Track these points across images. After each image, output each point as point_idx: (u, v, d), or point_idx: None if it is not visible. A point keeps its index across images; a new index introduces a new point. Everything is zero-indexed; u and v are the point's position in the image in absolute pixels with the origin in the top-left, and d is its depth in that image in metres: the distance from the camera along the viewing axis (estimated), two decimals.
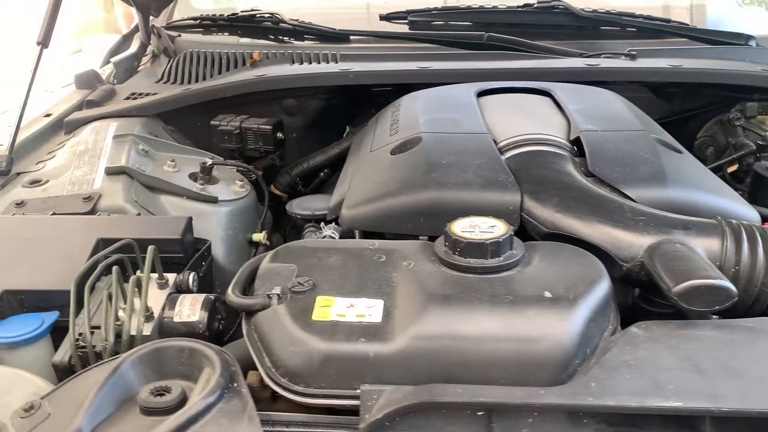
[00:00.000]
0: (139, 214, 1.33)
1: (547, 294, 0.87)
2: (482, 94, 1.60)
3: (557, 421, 0.78)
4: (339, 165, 1.89)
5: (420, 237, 1.17)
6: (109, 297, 1.05)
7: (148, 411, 0.85)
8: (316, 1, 2.42)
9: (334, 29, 2.06)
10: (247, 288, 1.02)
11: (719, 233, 1.00)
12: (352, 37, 2.08)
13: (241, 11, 2.20)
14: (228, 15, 2.20)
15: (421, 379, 0.82)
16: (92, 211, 1.33)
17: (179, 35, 2.26)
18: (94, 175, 1.44)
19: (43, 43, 1.63)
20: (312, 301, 0.91)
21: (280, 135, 1.78)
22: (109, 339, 0.99)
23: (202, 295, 1.16)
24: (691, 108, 1.92)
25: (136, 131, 1.65)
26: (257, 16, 2.16)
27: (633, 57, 1.81)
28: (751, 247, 0.97)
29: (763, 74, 1.71)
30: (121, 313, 1.04)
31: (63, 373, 1.04)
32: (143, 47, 2.23)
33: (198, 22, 2.27)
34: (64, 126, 1.72)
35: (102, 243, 1.21)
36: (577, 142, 1.30)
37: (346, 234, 1.31)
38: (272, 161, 1.82)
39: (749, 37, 1.94)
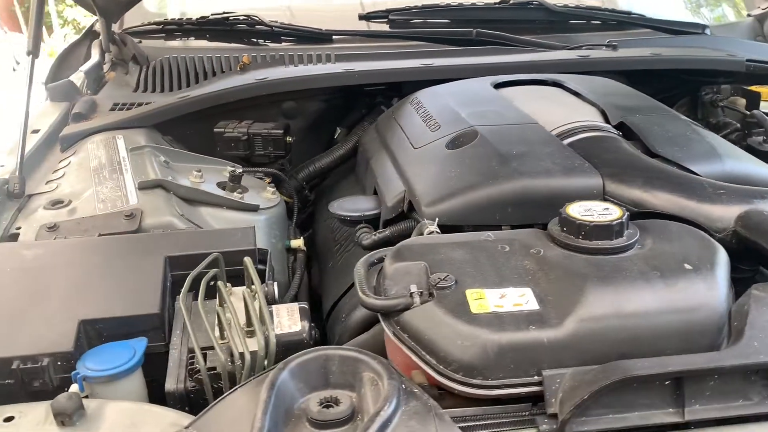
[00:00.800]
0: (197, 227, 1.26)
1: (687, 266, 0.92)
2: (496, 87, 1.64)
3: (733, 382, 0.83)
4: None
5: (503, 227, 1.20)
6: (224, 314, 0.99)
7: (321, 424, 0.82)
8: (276, 2, 2.35)
9: (321, 30, 2.03)
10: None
11: None
12: (334, 38, 2.06)
13: (212, 14, 2.11)
14: (197, 18, 2.11)
15: (594, 359, 0.85)
16: (139, 230, 1.24)
17: (140, 41, 2.13)
18: (124, 191, 1.34)
19: (33, 53, 1.49)
20: (461, 295, 0.91)
21: (289, 139, 1.73)
22: (246, 357, 0.93)
23: (295, 305, 1.12)
24: (658, 92, 2.07)
25: (143, 143, 1.55)
26: (230, 18, 2.08)
27: (614, 47, 1.93)
28: None
29: (730, 59, 1.88)
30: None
31: (178, 400, 0.97)
32: (103, 55, 2.08)
33: (161, 27, 2.15)
34: (59, 141, 1.58)
35: (169, 261, 1.14)
36: (618, 128, 1.38)
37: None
38: (282, 166, 1.77)
39: (705, 27, 2.13)
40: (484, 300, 0.90)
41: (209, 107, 1.73)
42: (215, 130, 1.72)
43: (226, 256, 1.15)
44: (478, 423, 0.86)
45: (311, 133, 1.93)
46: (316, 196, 1.92)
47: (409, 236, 1.31)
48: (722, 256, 0.96)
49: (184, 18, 2.14)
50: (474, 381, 0.84)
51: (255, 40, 2.11)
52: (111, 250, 1.16)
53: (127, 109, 1.76)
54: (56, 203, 1.32)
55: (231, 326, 0.99)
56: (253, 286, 1.05)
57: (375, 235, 1.34)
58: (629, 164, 1.20)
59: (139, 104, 1.78)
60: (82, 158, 1.48)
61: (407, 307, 0.92)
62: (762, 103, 1.79)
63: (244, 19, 2.07)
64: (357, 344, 1.11)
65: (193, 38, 2.17)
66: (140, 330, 1.05)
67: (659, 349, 0.86)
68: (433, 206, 1.20)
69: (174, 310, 1.10)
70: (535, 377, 0.84)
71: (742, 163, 1.26)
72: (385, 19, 2.11)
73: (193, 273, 1.04)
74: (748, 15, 2.42)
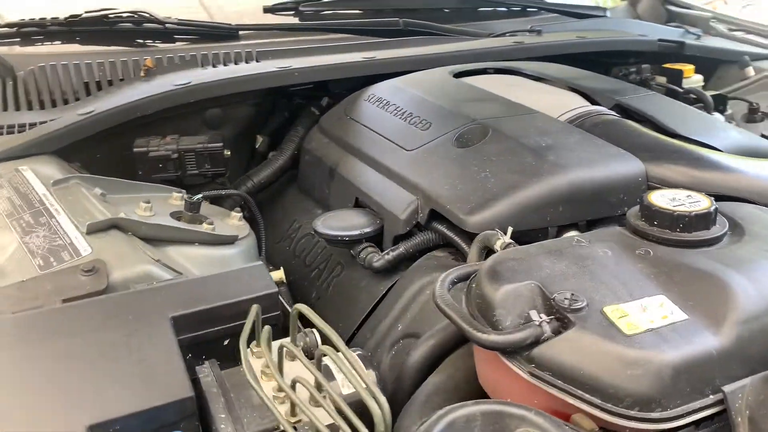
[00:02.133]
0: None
1: None
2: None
3: None
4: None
5: (549, 230, 1.08)
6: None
7: None
8: None
9: (229, 24, 1.76)
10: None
11: None
12: (241, 34, 1.80)
13: (86, 12, 1.74)
14: (66, 18, 1.73)
15: (760, 363, 0.76)
16: (108, 288, 0.94)
17: None
18: (66, 239, 1.01)
19: None
20: (600, 315, 0.77)
21: (227, 152, 1.46)
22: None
23: (353, 354, 0.91)
24: None
25: (57, 174, 1.21)
26: (111, 16, 1.73)
27: (539, 32, 1.90)
28: None
29: (647, 39, 1.94)
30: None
31: None
32: None
33: (15, 29, 1.74)
34: None
35: (174, 322, 0.87)
36: (615, 110, 1.32)
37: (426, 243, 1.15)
38: (221, 185, 1.50)
39: (605, 10, 2.18)
40: (629, 317, 0.77)
41: (119, 124, 1.41)
42: (135, 149, 1.40)
43: (248, 305, 0.91)
44: None
45: (237, 144, 1.66)
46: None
47: (427, 250, 1.16)
48: None
49: (48, 18, 1.74)
50: (653, 415, 0.71)
51: (141, 41, 1.78)
52: (90, 319, 0.86)
53: (8, 132, 1.38)
54: None
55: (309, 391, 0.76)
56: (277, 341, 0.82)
57: (388, 254, 1.16)
58: (661, 147, 1.14)
59: (21, 126, 1.40)
60: None
61: (538, 340, 0.77)
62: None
63: (129, 16, 1.74)
64: (435, 389, 0.93)
65: (59, 42, 1.78)
66: (169, 423, 0.78)
67: None
68: (476, 214, 1.05)
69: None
70: (711, 397, 0.74)
71: (745, 135, 1.26)
72: (293, 11, 1.89)
73: (245, 333, 0.79)
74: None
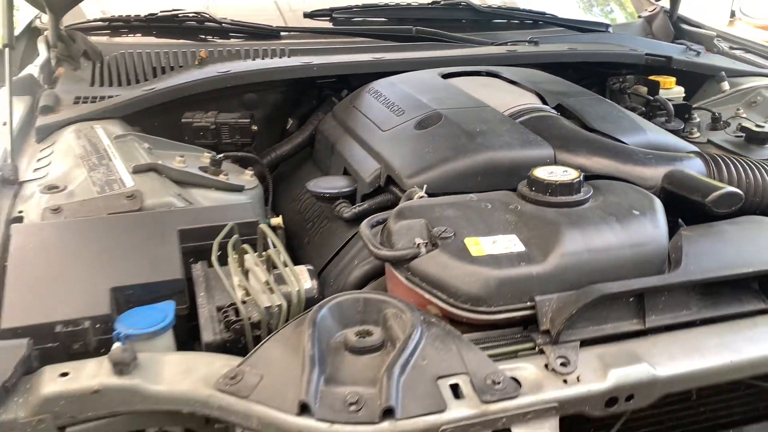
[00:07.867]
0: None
1: (635, 212, 1.15)
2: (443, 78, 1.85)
3: (678, 296, 1.06)
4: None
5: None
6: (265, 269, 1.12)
7: (359, 350, 0.97)
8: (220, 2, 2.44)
9: (271, 26, 2.15)
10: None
11: (705, 162, 1.37)
12: (282, 34, 2.19)
13: (161, 11, 2.18)
14: (145, 15, 2.17)
15: (572, 286, 1.05)
16: (141, 209, 1.33)
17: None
18: (117, 176, 1.42)
19: (9, 44, 1.53)
20: (461, 243, 1.09)
21: (254, 127, 1.85)
22: (282, 307, 1.06)
23: (303, 267, 1.26)
24: (572, 82, 2.34)
25: (121, 133, 1.63)
26: (180, 15, 2.16)
27: (536, 43, 2.19)
28: (727, 170, 1.36)
29: (632, 53, 2.19)
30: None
31: (215, 350, 1.08)
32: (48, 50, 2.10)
33: (107, 23, 2.19)
34: (36, 133, 1.62)
35: (180, 234, 1.25)
36: (556, 109, 1.61)
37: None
38: (248, 152, 1.88)
39: (608, 26, 2.44)
40: (480, 246, 1.09)
41: (173, 100, 1.82)
42: (183, 120, 1.81)
43: (234, 227, 1.28)
44: (485, 345, 1.04)
45: (269, 123, 2.05)
46: (273, 183, 2.05)
47: (386, 207, 1.49)
48: (659, 204, 1.20)
49: (132, 15, 2.19)
50: (480, 308, 1.03)
51: (203, 36, 2.20)
52: (124, 226, 1.25)
53: (91, 102, 1.82)
54: (52, 188, 1.38)
55: (257, 284, 1.12)
56: (267, 252, 1.19)
57: (355, 208, 1.50)
58: (573, 138, 1.43)
59: (102, 98, 1.84)
60: (64, 147, 1.54)
61: (415, 256, 1.09)
62: (661, 91, 2.10)
63: (194, 16, 2.16)
64: None
65: (139, 35, 2.22)
66: (165, 295, 1.15)
67: (620, 276, 1.07)
68: (413, 178, 1.38)
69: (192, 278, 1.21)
70: (528, 303, 1.04)
71: (659, 135, 1.53)
72: (329, 17, 2.27)
73: (218, 238, 1.16)
74: (639, 16, 2.77)
